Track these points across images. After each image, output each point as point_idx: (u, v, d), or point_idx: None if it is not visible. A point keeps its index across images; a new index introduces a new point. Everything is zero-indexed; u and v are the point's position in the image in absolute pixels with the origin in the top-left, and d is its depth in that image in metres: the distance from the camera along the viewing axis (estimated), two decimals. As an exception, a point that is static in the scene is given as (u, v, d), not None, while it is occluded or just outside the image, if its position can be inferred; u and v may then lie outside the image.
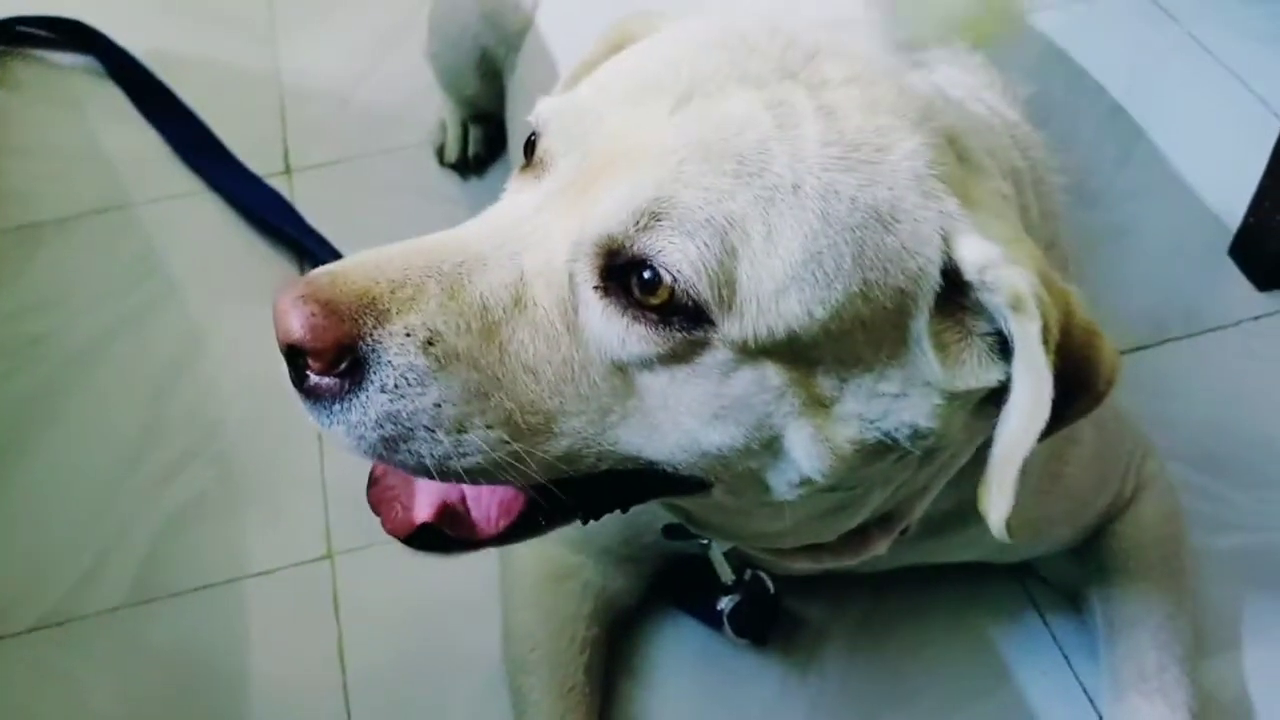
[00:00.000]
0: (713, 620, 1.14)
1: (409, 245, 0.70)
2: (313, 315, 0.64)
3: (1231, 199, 1.54)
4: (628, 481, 0.75)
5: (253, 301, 1.55)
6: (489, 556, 1.20)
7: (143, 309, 1.56)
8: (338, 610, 1.23)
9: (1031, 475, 0.97)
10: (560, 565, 1.11)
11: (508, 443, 0.69)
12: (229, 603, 1.25)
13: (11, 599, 1.26)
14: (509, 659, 1.12)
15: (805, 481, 0.73)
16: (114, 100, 1.84)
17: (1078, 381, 0.70)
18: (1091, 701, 1.12)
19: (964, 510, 0.93)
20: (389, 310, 0.66)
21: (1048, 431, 0.68)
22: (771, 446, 0.72)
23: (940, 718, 1.13)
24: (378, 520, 0.80)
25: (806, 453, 0.71)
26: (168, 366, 1.49)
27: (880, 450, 0.73)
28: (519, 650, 1.10)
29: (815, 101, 0.69)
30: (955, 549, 1.05)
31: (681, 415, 0.70)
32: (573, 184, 0.70)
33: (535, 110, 0.76)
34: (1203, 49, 1.82)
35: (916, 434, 0.72)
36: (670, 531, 0.98)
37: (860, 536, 0.90)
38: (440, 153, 1.71)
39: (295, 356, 0.67)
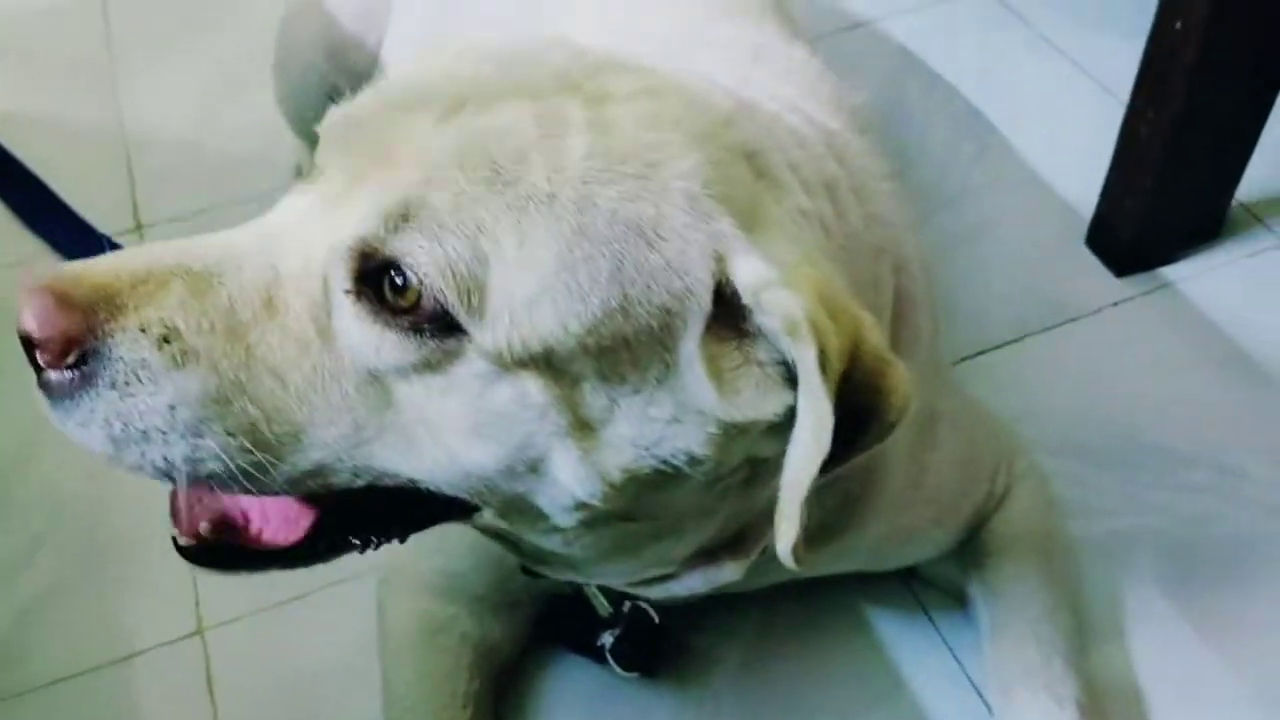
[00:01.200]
0: (598, 656, 1.12)
1: (168, 244, 0.68)
2: (46, 308, 0.63)
3: (1086, 189, 1.57)
4: (391, 502, 0.73)
5: None
6: (365, 620, 1.16)
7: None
8: (211, 688, 1.18)
9: (892, 483, 0.98)
10: (434, 619, 1.07)
11: (249, 452, 0.67)
12: (96, 691, 1.18)
13: None
14: (390, 700, 1.07)
15: (580, 506, 0.72)
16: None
17: (867, 410, 0.69)
18: (985, 701, 1.12)
19: (829, 523, 0.93)
20: (125, 305, 0.64)
21: (842, 459, 0.67)
22: (536, 469, 0.70)
23: (838, 731, 1.12)
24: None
25: (574, 476, 0.70)
26: (11, 449, 1.40)
27: (660, 478, 0.71)
28: (397, 712, 1.06)
29: (589, 114, 0.67)
30: (828, 561, 1.04)
31: (440, 431, 0.68)
32: (337, 190, 0.69)
33: (324, 120, 0.74)
34: (1051, 46, 1.87)
35: (693, 461, 0.70)
36: (525, 569, 0.96)
37: (708, 561, 0.88)
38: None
39: (27, 348, 0.65)
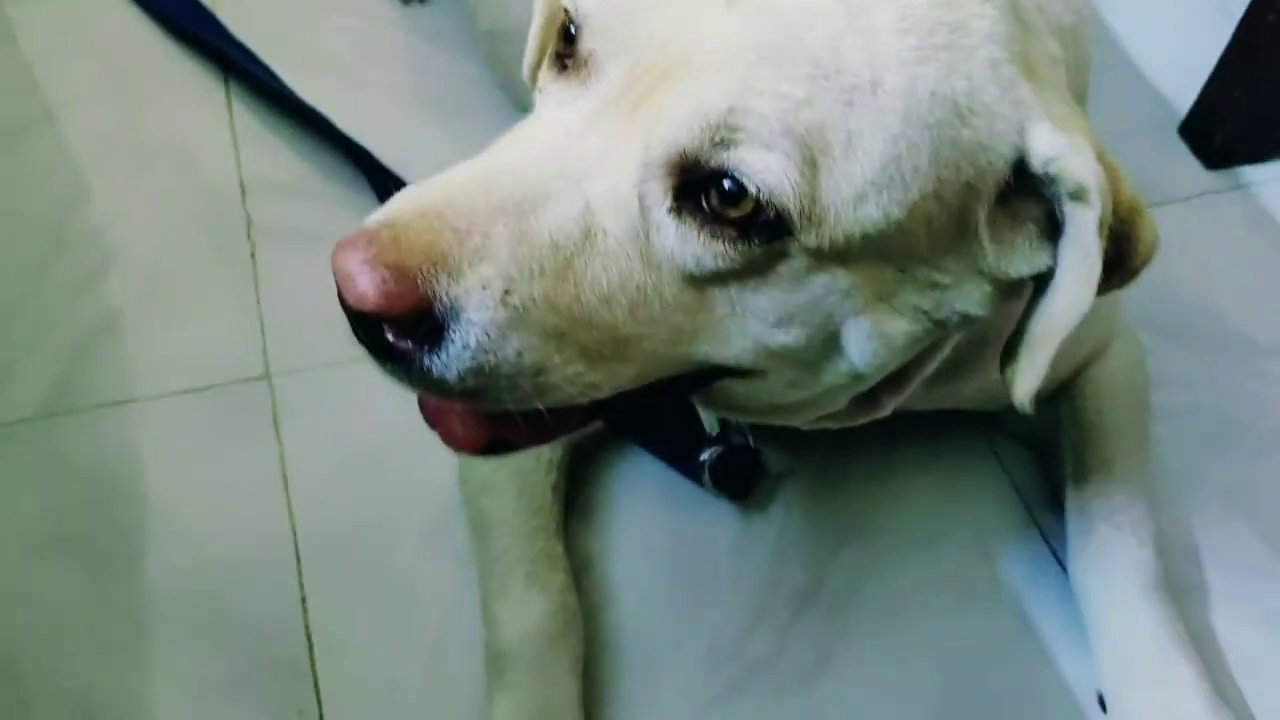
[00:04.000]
0: (690, 470, 1.11)
1: (464, 181, 0.65)
2: (384, 281, 0.60)
3: (1180, 83, 1.56)
4: (686, 381, 0.75)
5: (173, 109, 1.43)
6: None
7: (42, 116, 1.41)
8: (278, 431, 1.15)
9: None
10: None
11: (584, 375, 0.67)
12: (156, 418, 1.16)
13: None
14: (469, 481, 1.06)
15: (852, 371, 0.74)
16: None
17: (1116, 258, 0.70)
18: (1048, 542, 1.14)
19: (960, 360, 0.93)
20: (461, 265, 0.62)
21: None
22: (830, 342, 0.72)
23: (902, 552, 1.13)
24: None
25: (861, 348, 0.72)
26: (73, 178, 1.35)
27: (928, 337, 0.73)
28: (481, 470, 1.05)
29: None
30: (940, 398, 1.03)
31: (749, 322, 0.69)
32: (626, 94, 0.65)
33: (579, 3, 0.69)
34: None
35: (965, 320, 0.72)
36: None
37: (870, 398, 0.89)
38: (381, -27, 1.59)
39: (363, 318, 0.62)
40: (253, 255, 1.29)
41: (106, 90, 1.44)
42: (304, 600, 1.05)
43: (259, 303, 1.24)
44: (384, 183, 1.30)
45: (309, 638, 1.03)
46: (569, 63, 0.70)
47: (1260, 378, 1.29)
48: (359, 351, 1.17)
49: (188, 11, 1.50)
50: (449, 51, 1.52)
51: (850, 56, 0.62)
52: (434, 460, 1.11)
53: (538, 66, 0.84)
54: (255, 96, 1.43)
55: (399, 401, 1.14)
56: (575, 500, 1.12)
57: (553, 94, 0.70)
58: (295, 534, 1.08)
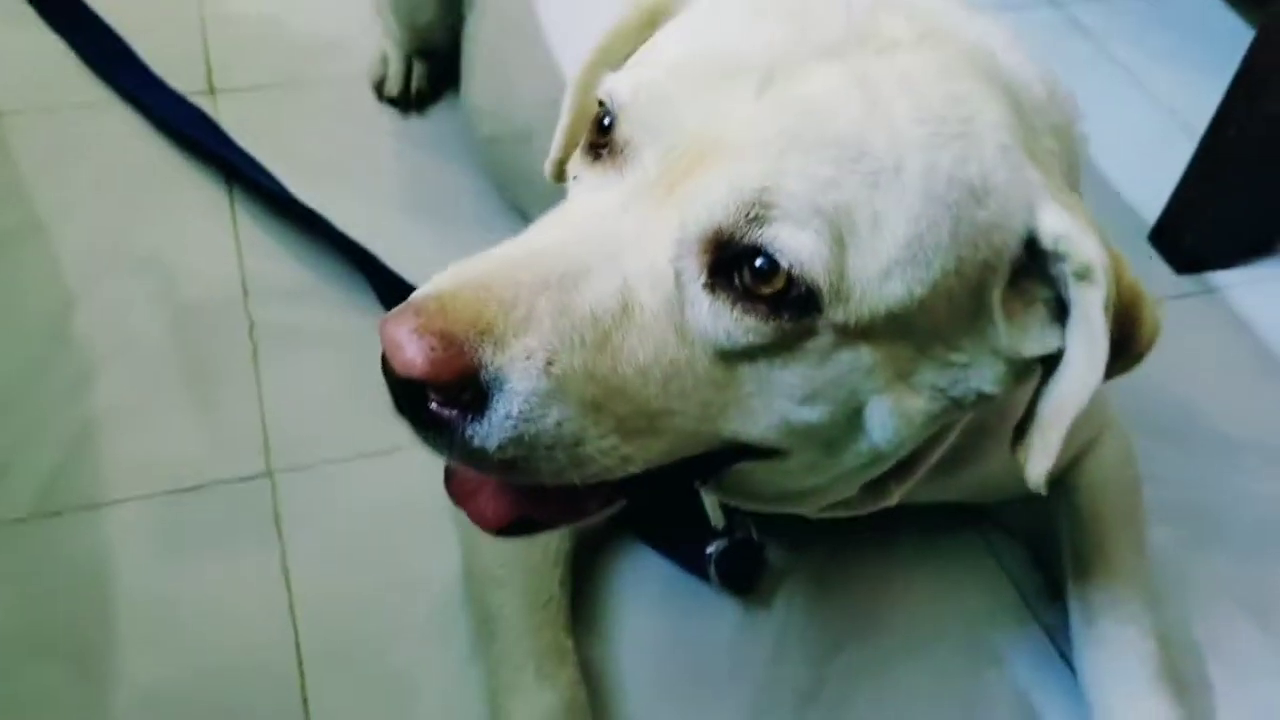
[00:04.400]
0: (695, 564, 1.12)
1: (506, 257, 0.68)
2: (433, 349, 0.63)
3: (1147, 194, 1.65)
4: (709, 457, 0.76)
5: (175, 213, 1.45)
6: (438, 470, 1.15)
7: (47, 217, 1.42)
8: (280, 530, 1.14)
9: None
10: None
11: (618, 448, 0.69)
12: (154, 518, 1.14)
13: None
14: (476, 575, 1.06)
15: (872, 450, 0.76)
16: (11, 4, 1.69)
17: (1120, 342, 0.73)
18: (1050, 637, 1.15)
19: (960, 447, 0.95)
20: (506, 335, 0.64)
21: None
22: (853, 420, 0.73)
23: (904, 651, 1.13)
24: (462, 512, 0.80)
25: (882, 424, 0.73)
26: (73, 280, 1.36)
27: (944, 415, 0.75)
28: (488, 564, 1.05)
29: (894, 71, 0.69)
30: (941, 489, 1.05)
31: (776, 398, 0.71)
32: (661, 179, 0.69)
33: (606, 89, 0.74)
34: (1116, 64, 1.94)
35: (980, 399, 0.75)
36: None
37: (879, 485, 0.91)
38: (379, 86, 1.64)
39: (408, 386, 0.64)
40: (254, 355, 1.29)
41: (108, 194, 1.46)
42: (305, 702, 1.03)
43: (261, 401, 1.25)
44: (386, 284, 1.32)
45: (310, 738, 1.01)
46: (603, 152, 0.73)
47: (1240, 473, 1.32)
48: (363, 447, 1.20)
49: (191, 119, 1.53)
50: (446, 161, 1.56)
51: (873, 141, 0.66)
52: (438, 553, 1.12)
53: (563, 161, 0.87)
54: (258, 201, 1.46)
55: (403, 497, 1.17)
56: (578, 597, 1.11)
57: (588, 181, 0.74)
58: (297, 633, 1.07)
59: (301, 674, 1.04)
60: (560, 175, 0.88)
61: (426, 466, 1.15)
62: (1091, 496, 1.12)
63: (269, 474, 1.19)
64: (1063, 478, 1.14)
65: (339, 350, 1.30)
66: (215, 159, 1.50)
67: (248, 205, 1.46)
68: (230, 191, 1.48)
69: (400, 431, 1.20)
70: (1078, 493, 1.12)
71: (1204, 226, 1.54)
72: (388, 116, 1.64)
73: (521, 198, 1.38)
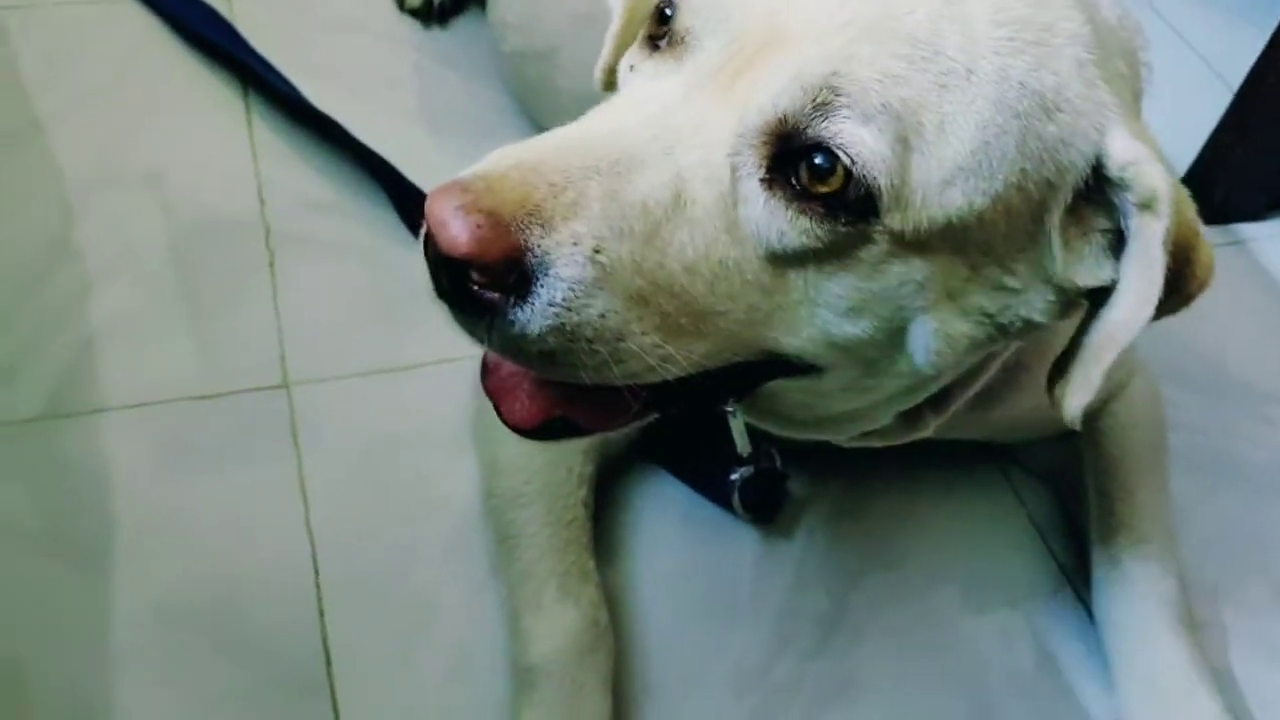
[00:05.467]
0: (718, 491, 1.10)
1: (558, 141, 0.65)
2: (479, 226, 0.60)
3: (1179, 142, 1.60)
4: (746, 370, 0.74)
5: (189, 118, 1.42)
6: (458, 389, 1.15)
7: (51, 120, 1.38)
8: (297, 441, 1.13)
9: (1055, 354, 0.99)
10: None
11: (660, 347, 0.66)
12: (166, 423, 1.12)
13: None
14: (497, 493, 1.04)
15: (913, 372, 0.74)
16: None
17: (1173, 280, 0.71)
18: (1066, 576, 1.14)
19: (994, 386, 0.93)
20: (554, 218, 0.62)
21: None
22: (895, 339, 0.71)
23: (924, 583, 1.12)
24: (492, 408, 0.76)
25: (925, 346, 0.71)
26: (80, 183, 1.32)
27: (988, 343, 0.73)
28: (511, 483, 1.03)
29: None
30: (972, 426, 1.04)
31: (821, 309, 0.68)
32: (723, 69, 0.66)
33: None
34: (1152, 9, 1.90)
35: (1026, 328, 0.72)
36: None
37: (915, 415, 0.90)
38: (401, -3, 1.60)
39: (450, 266, 0.61)
40: (271, 265, 1.27)
41: (117, 96, 1.42)
42: (321, 615, 1.02)
43: (277, 312, 1.22)
44: (403, 194, 1.29)
45: (327, 653, 1.00)
46: (662, 44, 0.70)
47: (1263, 422, 1.31)
48: (380, 362, 1.18)
49: (207, 20, 1.49)
50: (468, 76, 1.53)
51: (947, 41, 0.63)
52: (456, 473, 1.11)
53: (613, 70, 0.84)
54: (275, 108, 1.42)
55: (421, 415, 1.15)
56: (598, 524, 1.10)
57: (647, 70, 0.71)
58: (313, 545, 1.06)
59: (318, 588, 1.03)
60: (610, 84, 0.85)
61: (446, 383, 1.17)
62: (1118, 439, 1.11)
63: (285, 386, 1.17)
64: (1090, 420, 1.13)
65: (358, 263, 1.28)
66: (231, 63, 1.46)
67: (264, 112, 1.43)
68: (246, 97, 1.44)
69: (420, 348, 1.19)
70: (1105, 435, 1.11)
71: (1235, 178, 1.51)
72: (409, 28, 1.59)
73: (547, 115, 1.35)
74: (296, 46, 1.51)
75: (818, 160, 0.63)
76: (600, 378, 0.66)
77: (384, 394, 1.17)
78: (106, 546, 1.04)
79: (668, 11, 0.70)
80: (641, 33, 0.74)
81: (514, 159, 0.63)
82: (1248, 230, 1.55)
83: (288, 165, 1.37)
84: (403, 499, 1.10)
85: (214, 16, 1.50)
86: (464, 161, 1.36)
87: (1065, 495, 1.18)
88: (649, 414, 0.76)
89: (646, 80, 0.70)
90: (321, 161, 1.38)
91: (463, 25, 1.60)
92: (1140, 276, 0.69)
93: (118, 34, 1.50)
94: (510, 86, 1.47)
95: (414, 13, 1.59)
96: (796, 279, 0.68)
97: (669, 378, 0.68)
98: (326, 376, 1.18)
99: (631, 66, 0.74)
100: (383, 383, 1.18)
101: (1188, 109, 1.62)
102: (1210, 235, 1.52)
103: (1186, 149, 1.58)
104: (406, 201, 1.29)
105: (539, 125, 1.40)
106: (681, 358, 0.67)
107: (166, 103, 1.43)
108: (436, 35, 1.59)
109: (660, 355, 0.66)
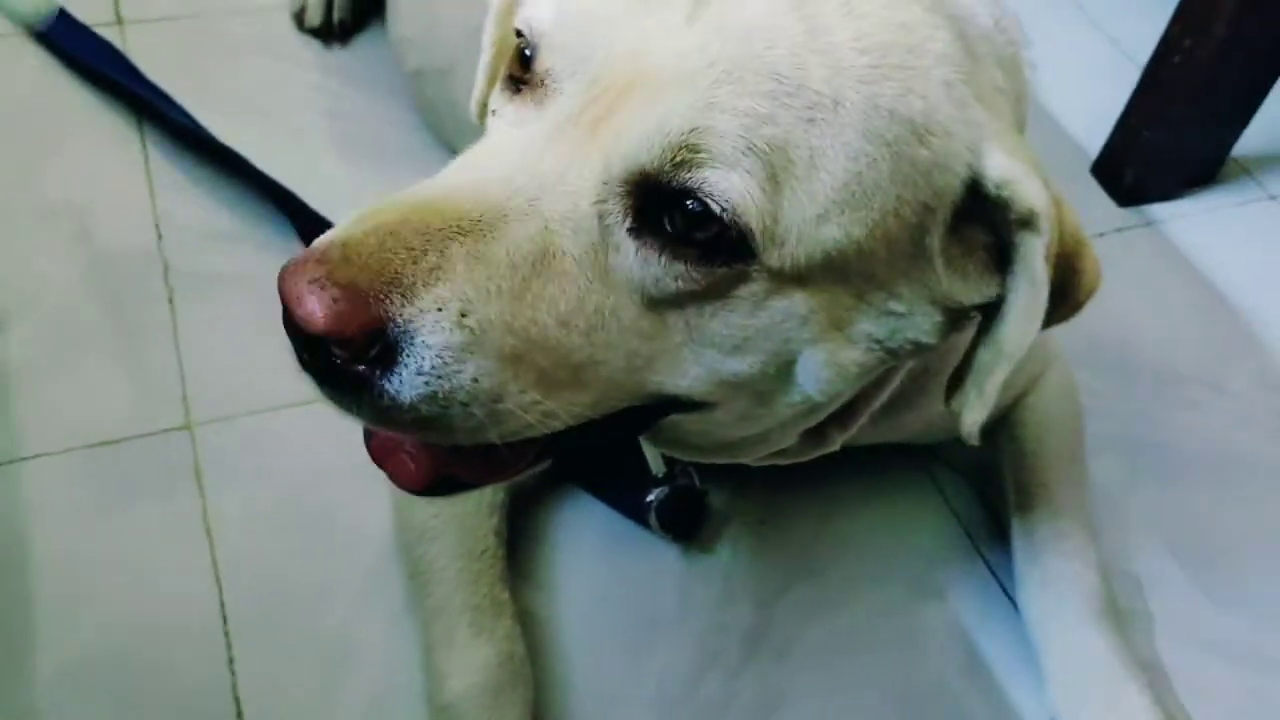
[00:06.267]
0: (636, 512, 1.09)
1: (420, 199, 0.62)
2: (335, 301, 0.57)
3: (1090, 126, 1.62)
4: (637, 411, 0.72)
5: (83, 154, 1.37)
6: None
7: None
8: (201, 484, 1.09)
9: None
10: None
11: (540, 403, 0.64)
12: (71, 474, 1.09)
13: None
14: (407, 527, 1.02)
15: (806, 401, 0.72)
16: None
17: (1060, 290, 0.70)
18: (994, 574, 1.14)
19: (906, 391, 0.92)
20: (415, 284, 0.59)
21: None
22: (784, 371, 0.70)
23: (850, 590, 1.11)
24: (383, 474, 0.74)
25: (815, 376, 0.70)
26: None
27: (879, 366, 0.72)
28: (419, 516, 1.01)
29: None
30: (885, 432, 1.03)
31: (704, 349, 0.67)
32: (585, 113, 0.64)
33: (524, 17, 0.68)
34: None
35: (916, 350, 0.71)
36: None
37: (818, 433, 0.89)
38: (300, 16, 1.57)
39: (311, 342, 0.59)
40: (170, 300, 1.23)
41: (9, 134, 1.38)
42: (231, 662, 0.99)
43: (178, 350, 1.19)
44: (309, 225, 1.26)
45: (238, 704, 0.97)
46: (523, 86, 0.68)
47: (1182, 406, 1.32)
48: (286, 397, 1.15)
49: (98, 53, 1.45)
50: (371, 95, 1.50)
51: (812, 74, 0.61)
52: (367, 509, 1.08)
53: (486, 101, 0.82)
54: (171, 140, 1.38)
55: (329, 449, 1.12)
56: (516, 548, 1.08)
57: (508, 115, 0.69)
58: (221, 591, 1.03)
59: (227, 635, 1.00)
60: (485, 115, 0.83)
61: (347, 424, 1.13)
62: (1035, 433, 1.10)
63: (188, 426, 1.13)
64: (1007, 415, 1.13)
65: (260, 297, 1.21)
66: (125, 95, 1.42)
67: (160, 144, 1.39)
68: (141, 129, 1.40)
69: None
70: (1022, 429, 1.11)
71: (1146, 158, 1.52)
72: (310, 49, 1.56)
73: (450, 133, 1.32)
74: (195, 74, 1.48)
75: (690, 205, 0.62)
76: (478, 439, 0.64)
77: (291, 430, 1.14)
78: (14, 601, 1.00)
79: (528, 53, 0.68)
80: (504, 71, 0.71)
81: (373, 222, 0.61)
82: (1159, 211, 1.56)
83: (186, 198, 1.33)
84: (314, 536, 1.08)
85: (109, 50, 1.46)
86: (372, 183, 1.33)
87: (989, 491, 1.18)
88: (542, 462, 0.74)
89: (508, 126, 0.68)
90: (221, 191, 1.34)
91: (364, 42, 1.57)
92: (1025, 292, 0.69)
93: (12, 73, 1.45)
94: (414, 104, 1.44)
95: (314, 31, 1.56)
96: (676, 321, 0.66)
97: (552, 431, 0.67)
98: (231, 414, 1.15)
99: (494, 111, 0.72)
100: (289, 418, 1.15)
101: (1097, 91, 1.64)
102: (1124, 218, 1.55)
103: (1097, 131, 1.60)
104: (311, 230, 1.26)
105: (445, 144, 1.38)
106: (564, 412, 0.66)
107: (62, 141, 1.38)
108: (338, 54, 1.56)
109: (541, 411, 0.64)
